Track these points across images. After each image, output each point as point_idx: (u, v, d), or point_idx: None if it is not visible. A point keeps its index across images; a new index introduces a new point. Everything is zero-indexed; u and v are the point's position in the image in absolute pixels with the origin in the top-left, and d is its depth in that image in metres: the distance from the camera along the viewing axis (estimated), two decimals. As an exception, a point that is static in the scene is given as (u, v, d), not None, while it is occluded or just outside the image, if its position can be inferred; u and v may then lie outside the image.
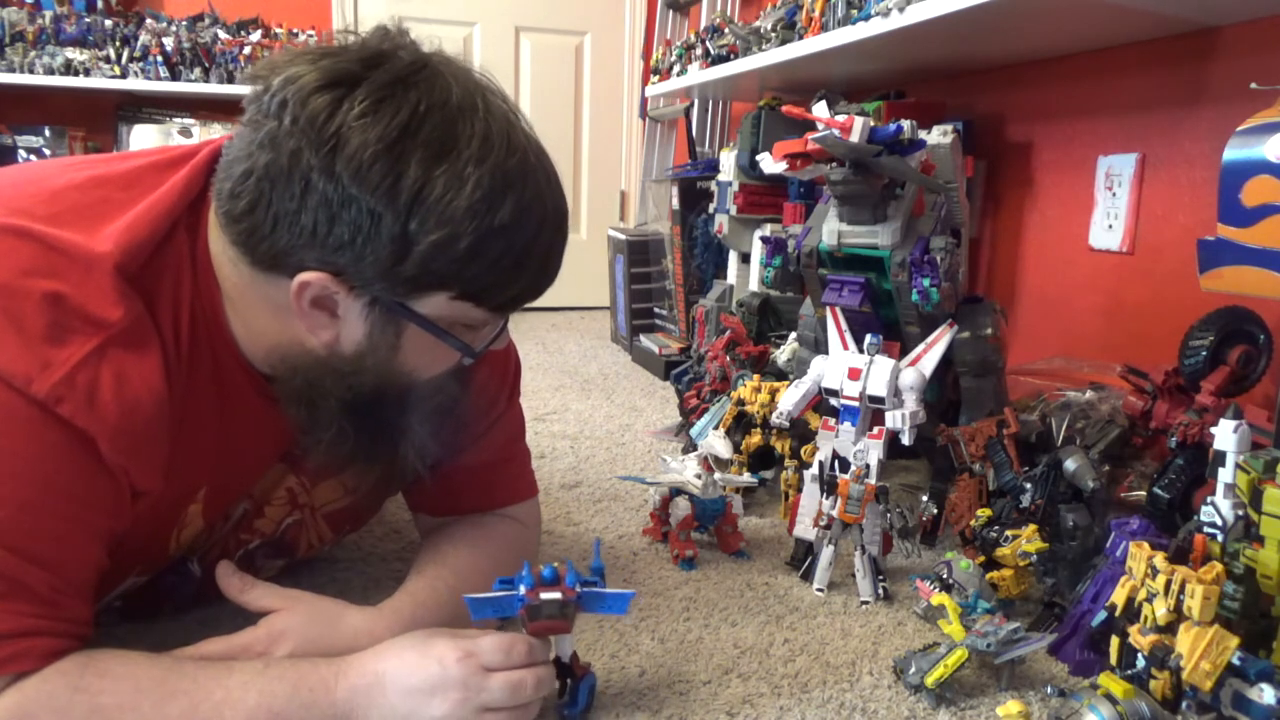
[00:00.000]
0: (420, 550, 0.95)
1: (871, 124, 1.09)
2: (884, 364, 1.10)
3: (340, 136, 0.65)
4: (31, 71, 2.93)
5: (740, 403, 1.37)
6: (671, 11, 3.27)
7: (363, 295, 0.71)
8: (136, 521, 0.73)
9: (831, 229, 1.24)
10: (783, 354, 1.64)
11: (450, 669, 0.72)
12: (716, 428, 1.38)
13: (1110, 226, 1.51)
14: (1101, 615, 0.86)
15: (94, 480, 0.67)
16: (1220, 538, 0.81)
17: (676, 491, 1.19)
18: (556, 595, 0.76)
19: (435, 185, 0.67)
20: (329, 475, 0.94)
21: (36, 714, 0.63)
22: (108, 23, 3.04)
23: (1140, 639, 0.77)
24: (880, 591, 1.06)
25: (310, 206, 0.67)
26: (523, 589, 0.76)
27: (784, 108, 1.55)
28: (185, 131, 3.12)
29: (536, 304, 0.82)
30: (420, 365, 0.77)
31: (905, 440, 1.08)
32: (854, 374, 1.11)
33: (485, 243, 0.69)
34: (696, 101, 2.96)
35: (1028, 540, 0.97)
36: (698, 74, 2.39)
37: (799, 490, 1.19)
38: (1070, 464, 1.05)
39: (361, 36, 0.72)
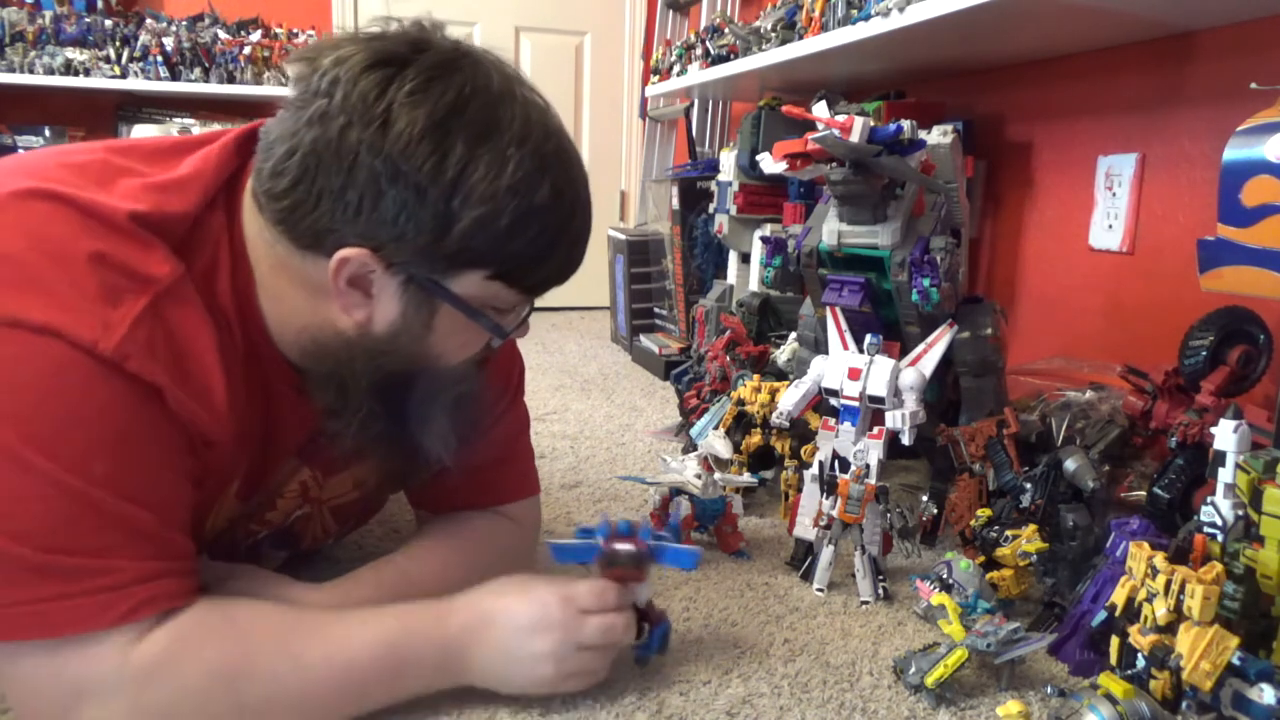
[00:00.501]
0: None
1: (871, 124, 1.09)
2: (884, 364, 1.10)
3: (390, 114, 0.67)
4: (31, 71, 2.93)
5: (740, 403, 1.37)
6: (671, 11, 3.27)
7: (399, 273, 0.73)
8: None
9: (831, 229, 1.24)
10: (783, 354, 1.64)
11: (553, 610, 0.79)
12: (716, 428, 1.38)
13: (1110, 226, 1.51)
14: (1101, 615, 0.86)
15: (168, 426, 0.69)
16: (1220, 538, 0.81)
17: (676, 491, 1.19)
18: (630, 547, 0.83)
19: (479, 164, 0.69)
20: (343, 469, 0.95)
21: (193, 635, 0.69)
22: (108, 23, 3.04)
23: (1140, 639, 0.77)
24: (880, 591, 1.06)
25: (357, 182, 0.68)
26: (599, 540, 0.84)
27: (784, 108, 1.55)
28: (185, 131, 3.12)
29: (537, 304, 0.83)
30: (449, 349, 0.79)
31: (905, 440, 1.08)
32: (854, 374, 1.11)
33: (524, 221, 0.72)
34: (696, 101, 2.96)
35: (1028, 540, 0.97)
36: (698, 74, 2.38)
37: (799, 490, 1.19)
38: (1070, 464, 1.05)
39: (402, 25, 0.74)
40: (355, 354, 0.76)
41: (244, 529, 0.94)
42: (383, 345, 0.76)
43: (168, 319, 0.68)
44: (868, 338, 1.13)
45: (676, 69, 2.62)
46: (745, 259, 2.19)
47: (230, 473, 0.82)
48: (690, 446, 1.44)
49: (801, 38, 1.81)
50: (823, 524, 1.08)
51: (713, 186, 2.24)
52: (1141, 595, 0.78)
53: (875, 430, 1.11)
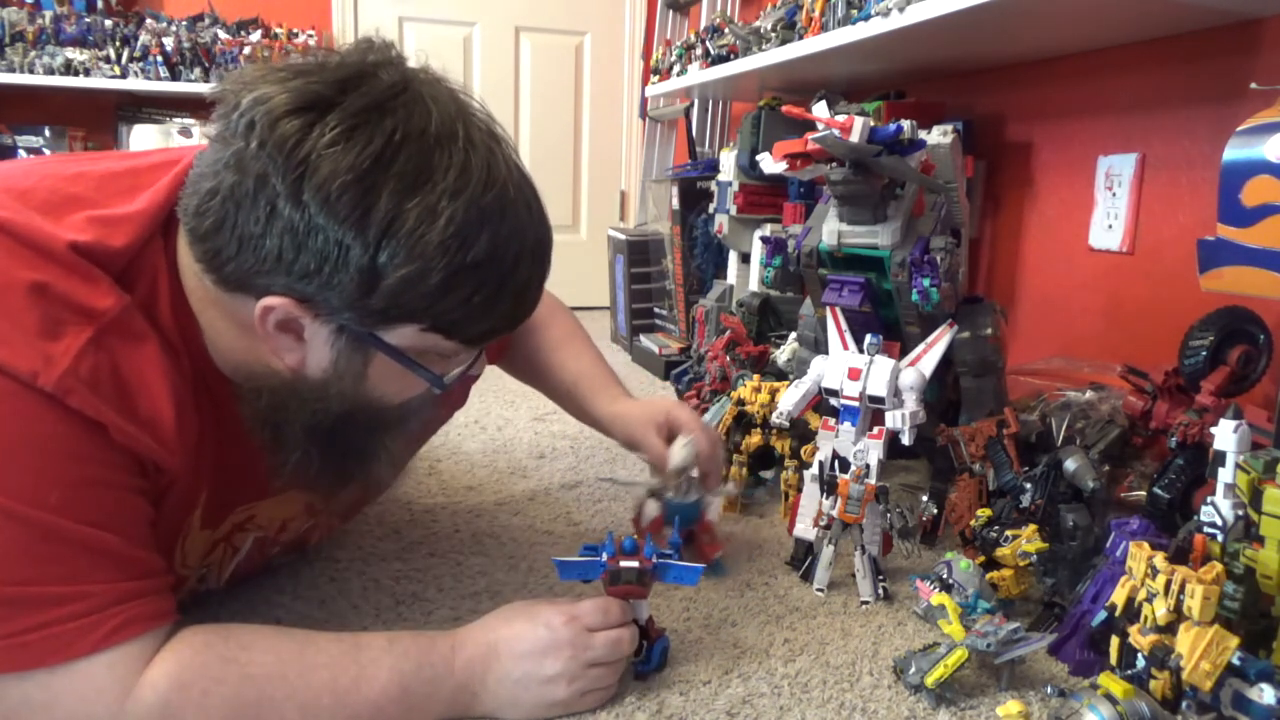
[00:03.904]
0: None
1: (871, 124, 1.09)
2: (884, 364, 1.10)
3: (309, 164, 0.63)
4: (31, 71, 2.93)
5: (740, 403, 1.37)
6: (671, 11, 3.27)
7: (330, 322, 0.70)
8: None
9: (831, 229, 1.24)
10: (783, 354, 1.64)
11: (559, 631, 0.78)
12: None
13: (1110, 226, 1.51)
14: (1101, 615, 0.86)
15: (116, 453, 0.67)
16: (1220, 538, 0.81)
17: (653, 493, 1.16)
18: (635, 564, 0.84)
19: (407, 218, 0.65)
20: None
21: (196, 684, 0.67)
22: (108, 23, 3.05)
23: (1140, 639, 0.77)
24: (880, 591, 1.06)
25: (275, 232, 0.65)
26: (605, 556, 0.85)
27: (784, 108, 1.54)
28: (185, 131, 3.12)
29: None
30: (389, 392, 0.76)
31: (905, 440, 1.08)
32: (854, 374, 1.11)
33: (457, 279, 0.68)
34: (696, 101, 2.96)
35: (1028, 540, 0.97)
36: (698, 74, 2.38)
37: (799, 490, 1.19)
38: (1070, 464, 1.05)
39: (341, 52, 0.69)
40: (290, 396, 0.74)
41: (259, 554, 0.95)
42: (317, 391, 0.73)
43: (113, 351, 0.66)
44: (868, 338, 1.13)
45: (676, 69, 2.62)
46: (745, 259, 2.19)
47: (189, 499, 0.79)
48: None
49: (801, 38, 1.81)
50: (823, 524, 1.08)
51: (713, 186, 2.24)
52: (1141, 595, 0.78)
53: (875, 430, 1.11)
